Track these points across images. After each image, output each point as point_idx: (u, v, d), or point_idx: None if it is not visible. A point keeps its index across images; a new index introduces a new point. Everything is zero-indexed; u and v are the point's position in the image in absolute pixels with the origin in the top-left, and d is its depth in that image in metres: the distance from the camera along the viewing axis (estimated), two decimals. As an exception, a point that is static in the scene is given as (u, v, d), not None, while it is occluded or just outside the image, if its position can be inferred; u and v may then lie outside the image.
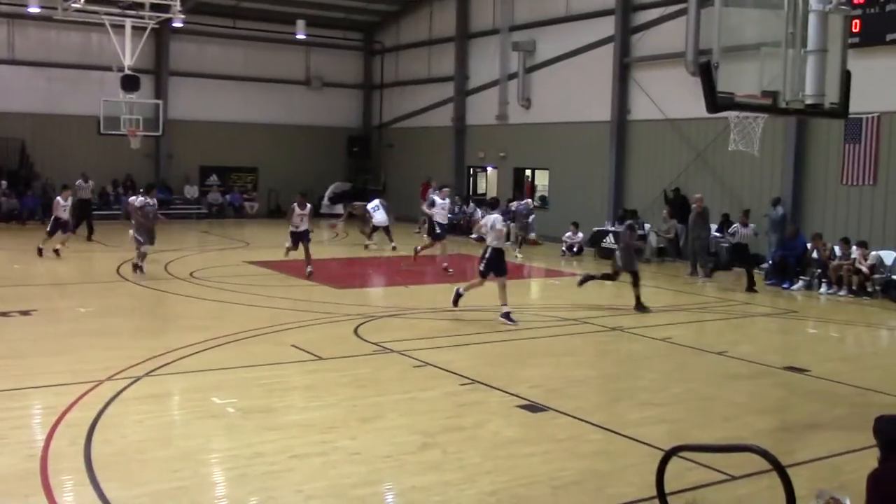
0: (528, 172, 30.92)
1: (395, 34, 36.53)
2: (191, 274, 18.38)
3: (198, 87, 34.13)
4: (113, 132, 27.53)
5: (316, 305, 15.17)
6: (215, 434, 8.19)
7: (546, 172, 29.71)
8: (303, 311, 14.52)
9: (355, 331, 13.04)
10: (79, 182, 25.71)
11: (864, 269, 18.28)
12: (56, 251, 20.31)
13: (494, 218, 14.31)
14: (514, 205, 25.42)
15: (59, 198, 21.16)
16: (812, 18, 9.85)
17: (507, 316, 13.89)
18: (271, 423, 8.51)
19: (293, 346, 11.87)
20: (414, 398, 9.58)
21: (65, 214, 20.92)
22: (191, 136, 33.86)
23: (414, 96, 35.37)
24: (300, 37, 33.70)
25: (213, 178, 35.02)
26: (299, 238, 18.56)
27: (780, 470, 5.12)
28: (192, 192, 34.31)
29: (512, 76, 29.74)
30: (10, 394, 9.35)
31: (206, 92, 34.26)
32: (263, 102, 35.49)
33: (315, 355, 11.40)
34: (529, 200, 25.18)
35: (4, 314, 13.39)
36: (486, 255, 14.09)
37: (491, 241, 14.11)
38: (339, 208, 35.26)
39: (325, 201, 35.75)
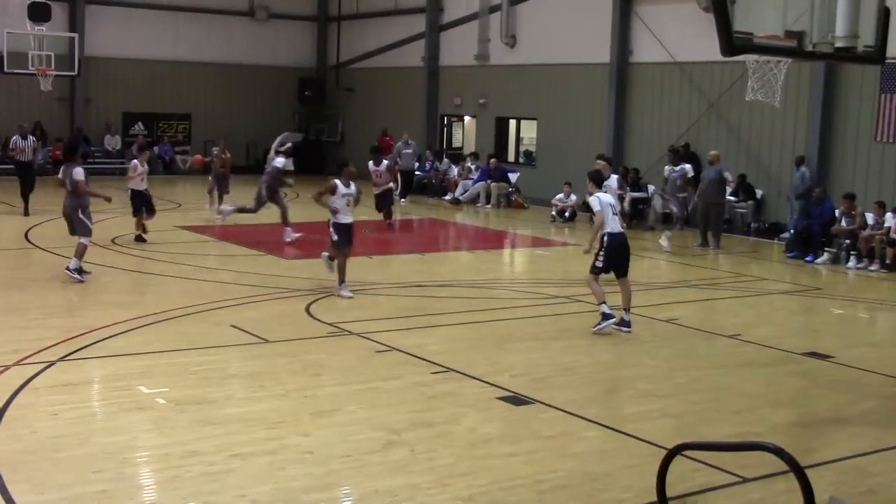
0: (511, 123, 30.97)
1: (356, -43, 36.30)
2: (112, 240, 18.30)
3: (121, 19, 33.73)
4: (19, 71, 27.23)
5: (261, 279, 15.18)
6: (143, 429, 8.22)
7: (533, 123, 29.76)
8: (246, 286, 14.53)
9: (307, 309, 13.08)
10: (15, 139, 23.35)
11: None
12: None
13: (603, 198, 12.38)
14: (666, 170, 21.84)
15: None
16: (846, -56, 9.89)
17: (622, 323, 12.50)
18: (209, 417, 8.55)
19: (233, 326, 11.90)
20: (377, 388, 9.65)
21: None
22: (112, 76, 33.52)
23: (378, 31, 35.18)
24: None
25: (139, 127, 34.71)
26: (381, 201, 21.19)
27: (799, 471, 5.23)
28: (113, 143, 34.00)
29: (494, 9, 29.63)
30: None
31: (131, 24, 33.87)
32: (199, 37, 35.16)
33: (260, 337, 11.43)
34: (687, 166, 21.37)
35: None
36: (603, 247, 12.30)
37: (612, 227, 12.29)
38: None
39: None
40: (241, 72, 35.81)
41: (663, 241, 19.78)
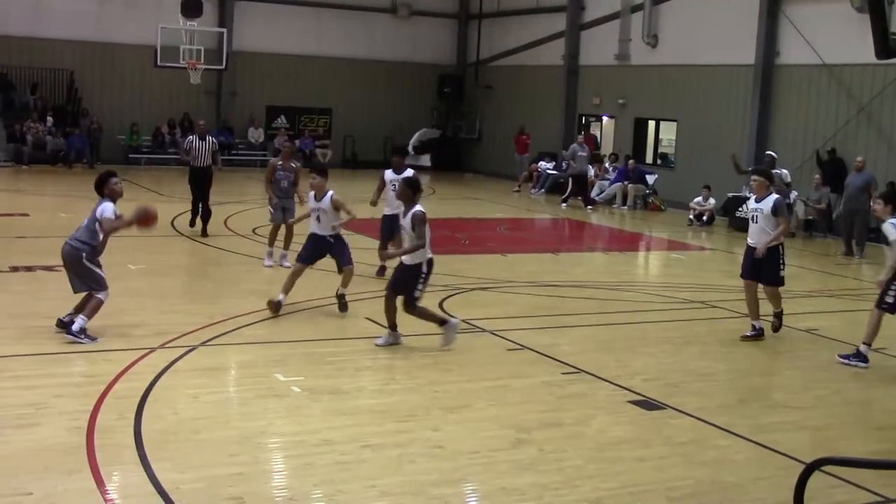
0: (650, 124, 30.58)
1: (498, -46, 36.37)
2: (254, 230, 18.80)
3: (267, 15, 34.62)
4: (171, 64, 28.19)
5: (396, 273, 15.34)
6: (278, 416, 8.44)
7: (673, 125, 29.31)
8: (383, 279, 14.72)
9: (440, 304, 13.17)
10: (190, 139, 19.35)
11: None
12: None
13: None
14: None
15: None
16: None
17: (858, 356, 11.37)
18: (342, 407, 8.72)
19: (368, 318, 12.08)
20: (507, 386, 9.68)
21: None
22: (257, 70, 34.44)
23: (518, 29, 35.18)
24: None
25: (282, 120, 35.55)
26: None
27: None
28: (256, 135, 34.92)
29: (636, 8, 29.34)
30: (52, 358, 9.80)
31: (277, 20, 34.72)
32: (342, 33, 35.80)
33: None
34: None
35: (48, 268, 13.94)
36: None
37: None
38: (426, 159, 35.47)
39: (410, 150, 35.98)
40: (382, 68, 36.28)
41: None
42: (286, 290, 12.11)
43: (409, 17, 36.94)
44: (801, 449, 8.01)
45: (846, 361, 11.16)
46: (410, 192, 11.02)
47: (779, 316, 12.23)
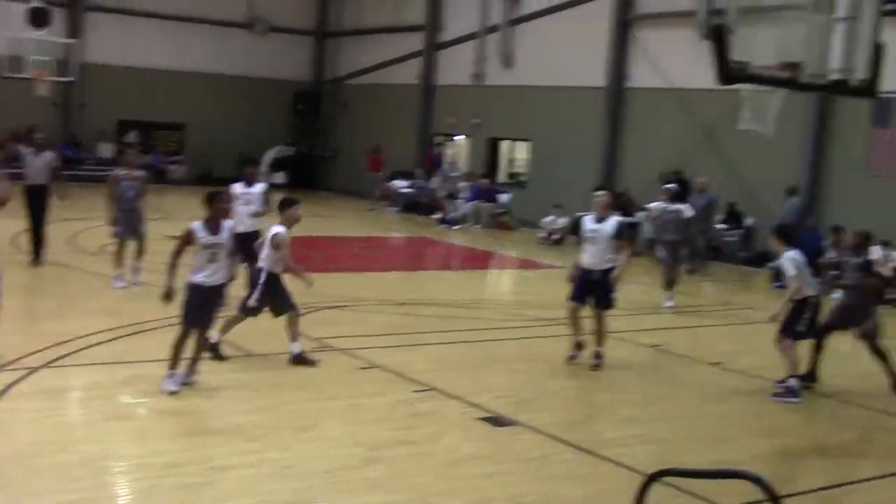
0: (504, 144, 31.06)
1: (355, -27, 36.44)
2: (101, 248, 18.28)
3: (121, 27, 33.74)
4: (16, 75, 27.23)
5: (249, 291, 15.13)
6: (123, 438, 8.22)
7: (527, 145, 29.85)
8: (234, 298, 14.49)
9: (294, 323, 13.06)
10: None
11: (885, 272, 18.57)
12: None
13: (799, 259, 11.17)
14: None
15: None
16: (843, -21, 9.99)
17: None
18: (189, 429, 8.56)
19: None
20: (359, 405, 9.66)
21: None
22: (109, 83, 33.47)
23: (375, 48, 35.28)
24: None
25: (133, 135, 34.70)
26: None
27: (776, 501, 5.25)
28: (106, 150, 33.98)
29: (492, 29, 29.73)
30: None
31: (131, 32, 33.89)
32: (197, 48, 35.21)
33: (245, 350, 11.42)
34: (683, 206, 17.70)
35: None
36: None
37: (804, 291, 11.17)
38: (280, 176, 35.18)
39: (264, 168, 35.60)
40: (238, 83, 35.82)
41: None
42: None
43: (266, 33, 36.62)
44: (646, 461, 8.22)
45: (782, 400, 10.98)
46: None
47: (599, 356, 11.79)
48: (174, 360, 9.59)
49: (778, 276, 19.80)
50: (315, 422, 8.99)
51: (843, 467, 8.93)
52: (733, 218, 22.97)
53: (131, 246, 15.22)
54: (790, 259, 11.10)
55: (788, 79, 10.63)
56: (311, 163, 37.25)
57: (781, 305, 11.17)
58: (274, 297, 10.92)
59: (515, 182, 30.49)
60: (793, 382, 11.04)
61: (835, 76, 10.18)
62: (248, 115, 35.90)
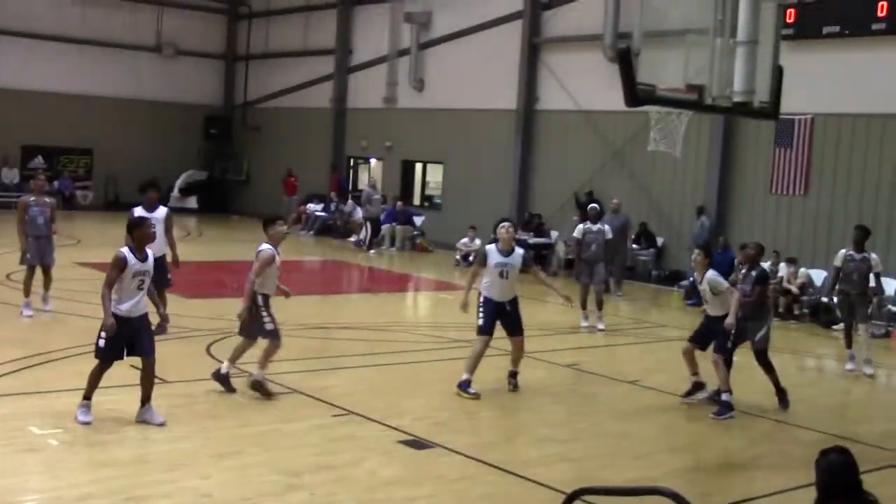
0: (418, 166, 31.16)
1: (265, -4, 36.33)
2: (7, 276, 17.85)
3: (24, 50, 33.09)
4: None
5: (162, 318, 14.91)
6: (34, 471, 8.02)
7: (440, 167, 29.99)
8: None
9: (208, 349, 12.91)
10: None
11: (794, 289, 19.09)
12: None
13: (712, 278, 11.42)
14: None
15: None
16: (742, 5, 10.32)
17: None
18: (104, 459, 8.38)
19: (133, 366, 11.63)
20: (278, 431, 9.57)
21: None
22: (13, 108, 32.79)
23: (286, 71, 35.18)
24: (150, -6, 33.16)
25: (39, 160, 33.99)
26: None
27: (693, 516, 5.34)
28: (11, 176, 33.22)
29: (403, 53, 29.89)
30: None
31: (34, 56, 33.25)
32: (105, 71, 34.71)
33: (160, 378, 11.21)
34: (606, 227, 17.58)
35: None
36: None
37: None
38: (192, 201, 34.83)
39: (176, 193, 35.24)
40: (147, 107, 35.40)
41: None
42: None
43: (175, 56, 36.26)
44: (565, 480, 8.28)
45: (720, 418, 11.12)
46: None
47: (514, 375, 11.86)
48: (89, 389, 9.39)
49: (689, 294, 20.26)
50: (234, 449, 8.88)
51: (757, 480, 9.13)
52: (646, 238, 23.36)
53: (40, 274, 14.86)
54: (717, 274, 11.42)
55: (694, 101, 10.93)
56: (223, 187, 36.93)
57: (730, 320, 11.22)
58: (251, 320, 10.82)
59: (430, 204, 30.60)
60: (726, 397, 11.27)
61: (738, 98, 10.50)
62: (158, 139, 35.48)
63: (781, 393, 11.78)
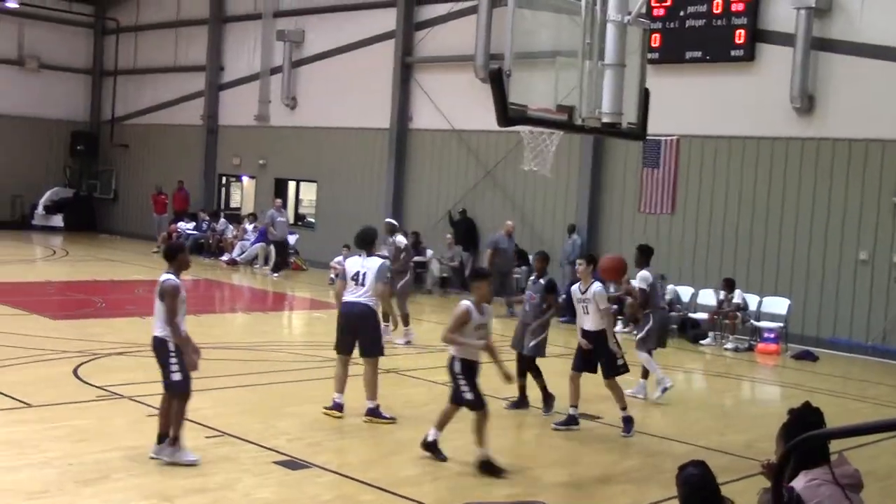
0: (291, 184, 30.91)
1: (133, 10, 35.61)
2: None
3: None
4: None
5: (25, 340, 14.44)
6: None
7: (313, 185, 29.81)
8: (7, 347, 13.77)
9: (75, 371, 12.53)
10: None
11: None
12: None
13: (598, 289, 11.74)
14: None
15: None
16: (610, 29, 10.55)
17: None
18: (-40, 488, 8.03)
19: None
20: (148, 454, 9.32)
21: None
22: None
23: (156, 87, 34.53)
24: (11, 5, 32.14)
25: None
26: None
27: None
28: None
29: (275, 70, 29.70)
30: None
31: None
32: (-38, 85, 33.47)
33: (22, 402, 10.85)
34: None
35: None
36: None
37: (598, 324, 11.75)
38: (58, 219, 33.85)
39: (40, 210, 34.19)
40: (8, 123, 34.29)
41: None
42: None
43: (39, 70, 35.20)
44: (443, 497, 8.31)
45: (562, 428, 11.37)
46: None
47: (374, 411, 11.35)
48: None
49: (564, 311, 20.54)
50: (102, 474, 8.60)
51: (630, 493, 9.28)
52: (519, 255, 23.62)
53: None
54: (602, 287, 11.90)
55: (564, 122, 11.12)
56: (90, 205, 35.98)
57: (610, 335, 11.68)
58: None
59: (303, 223, 30.39)
60: (572, 411, 11.57)
61: (606, 119, 10.73)
62: (22, 155, 34.42)
63: (548, 398, 12.18)
